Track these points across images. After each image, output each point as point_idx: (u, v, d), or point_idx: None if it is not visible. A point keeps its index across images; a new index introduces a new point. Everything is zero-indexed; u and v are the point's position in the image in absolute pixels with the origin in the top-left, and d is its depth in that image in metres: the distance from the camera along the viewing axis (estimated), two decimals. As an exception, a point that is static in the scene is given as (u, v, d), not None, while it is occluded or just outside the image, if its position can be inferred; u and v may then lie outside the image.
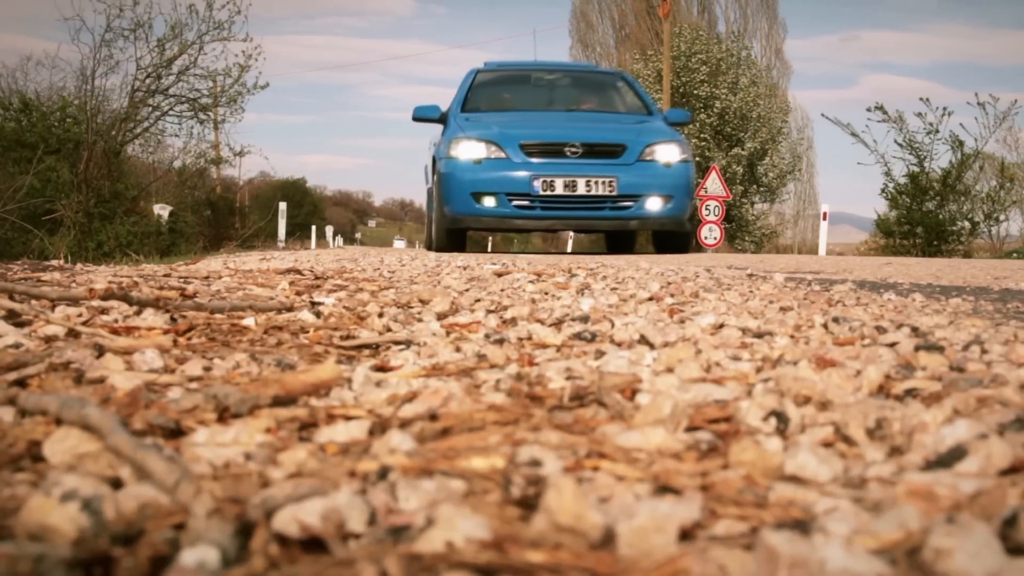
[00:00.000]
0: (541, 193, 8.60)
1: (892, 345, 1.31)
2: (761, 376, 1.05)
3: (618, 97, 10.80)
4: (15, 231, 10.72)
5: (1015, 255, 15.07)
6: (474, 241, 21.26)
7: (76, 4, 29.94)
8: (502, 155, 8.81)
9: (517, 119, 9.67)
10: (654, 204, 8.87)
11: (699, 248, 8.71)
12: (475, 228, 9.64)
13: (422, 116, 10.48)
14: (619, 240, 12.86)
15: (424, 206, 12.41)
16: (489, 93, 10.69)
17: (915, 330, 1.49)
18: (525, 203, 8.65)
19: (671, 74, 21.12)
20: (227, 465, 0.70)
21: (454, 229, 9.29)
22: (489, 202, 8.71)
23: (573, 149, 8.79)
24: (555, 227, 9.32)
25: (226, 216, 18.36)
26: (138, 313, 1.63)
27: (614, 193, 8.69)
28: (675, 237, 9.52)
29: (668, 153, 8.98)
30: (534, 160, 8.72)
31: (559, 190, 8.59)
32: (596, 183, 8.65)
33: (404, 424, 0.84)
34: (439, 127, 10.68)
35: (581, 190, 8.63)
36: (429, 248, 11.01)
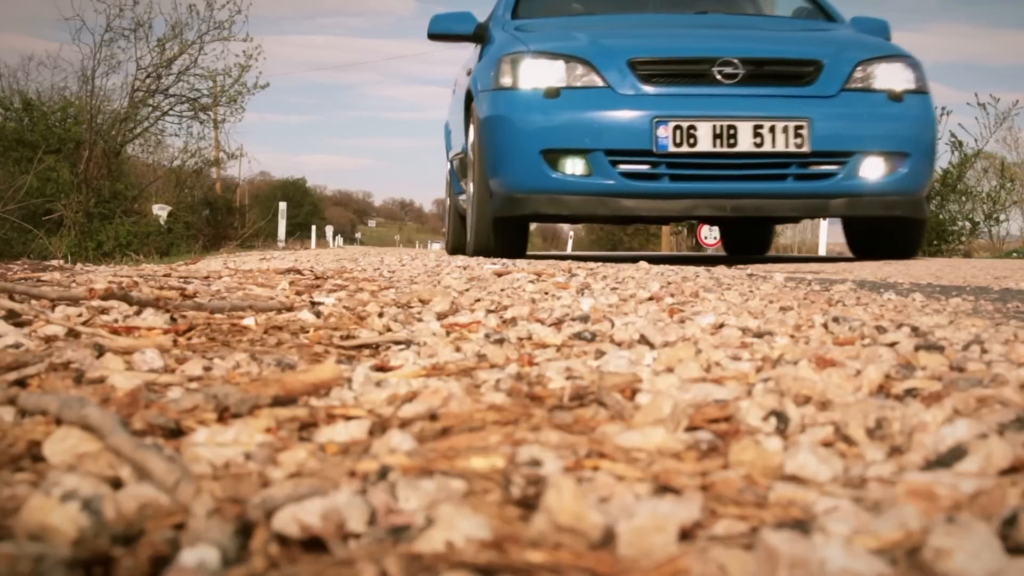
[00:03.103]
0: (672, 149, 4.89)
1: (892, 345, 1.31)
2: (761, 376, 1.05)
3: None
4: (15, 231, 10.73)
5: (1015, 255, 15.05)
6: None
7: (77, 4, 29.96)
8: (597, 81, 5.13)
9: (616, 25, 5.88)
10: (874, 168, 5.09)
11: (904, 248, 5.65)
12: (546, 216, 5.85)
13: (444, 31, 6.37)
14: (753, 235, 8.64)
15: (445, 193, 8.01)
16: None
17: (915, 330, 1.49)
18: (642, 168, 4.99)
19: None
20: (227, 465, 0.70)
21: (508, 218, 5.45)
22: (574, 167, 5.05)
23: (728, 70, 5.06)
24: (694, 212, 5.25)
25: (226, 216, 18.37)
26: (138, 313, 1.63)
27: (804, 148, 4.93)
28: (902, 229, 5.58)
29: (894, 77, 5.21)
30: (656, 90, 5.06)
31: (705, 143, 4.89)
32: (772, 130, 4.91)
33: (404, 424, 0.84)
34: (471, 51, 6.66)
35: (745, 143, 4.90)
36: (457, 251, 7.29)
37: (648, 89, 5.12)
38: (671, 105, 5.04)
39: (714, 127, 4.95)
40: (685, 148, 4.96)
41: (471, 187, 5.90)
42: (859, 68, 5.21)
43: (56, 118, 14.03)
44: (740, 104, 5.04)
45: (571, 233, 34.36)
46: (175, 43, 14.64)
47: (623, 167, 5.05)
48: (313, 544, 0.53)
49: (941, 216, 15.18)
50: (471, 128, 5.94)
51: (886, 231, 5.70)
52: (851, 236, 6.09)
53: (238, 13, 14.76)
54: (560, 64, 5.23)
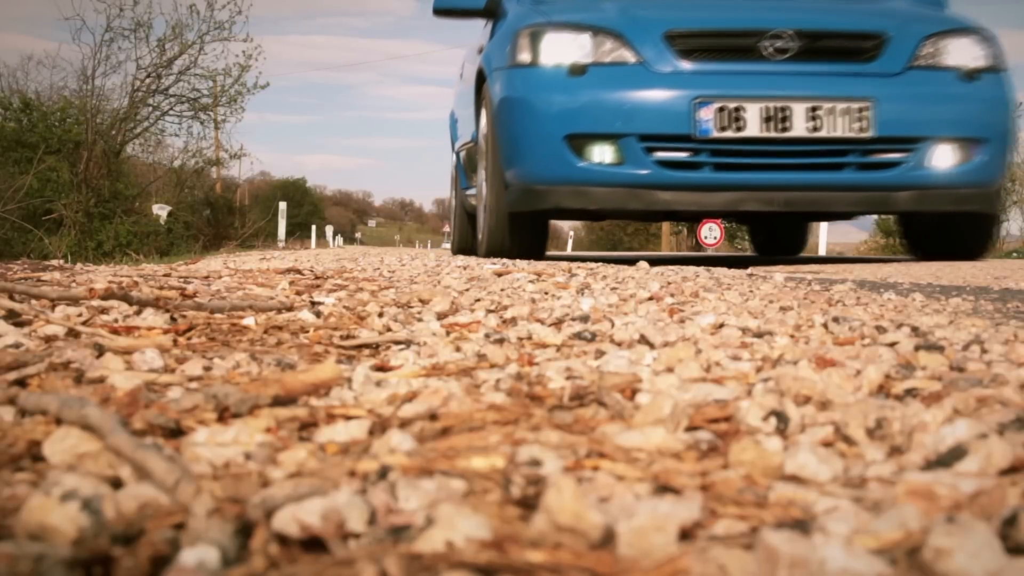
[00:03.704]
0: (715, 134, 4.35)
1: (892, 345, 1.31)
2: (761, 376, 1.05)
3: None
4: (15, 231, 10.73)
5: (1015, 255, 15.02)
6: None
7: (77, 4, 29.97)
8: (628, 57, 4.54)
9: None
10: (945, 157, 4.52)
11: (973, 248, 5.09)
12: (570, 212, 5.29)
13: (451, 6, 5.68)
14: (786, 234, 7.87)
15: (450, 189, 7.41)
16: None
17: (915, 330, 1.49)
18: (681, 156, 4.44)
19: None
20: (227, 465, 0.70)
21: (526, 213, 4.86)
22: (603, 154, 4.47)
23: (779, 44, 4.49)
24: (740, 206, 4.61)
25: (226, 216, 18.37)
26: (138, 313, 1.63)
27: (866, 134, 4.38)
28: (973, 226, 5.03)
29: (966, 53, 4.62)
30: (696, 67, 4.51)
31: (753, 127, 4.34)
32: (830, 113, 4.35)
33: (404, 424, 0.84)
34: (481, 29, 5.95)
35: (799, 127, 4.35)
36: (464, 251, 6.74)
37: (687, 66, 4.50)
38: (714, 84, 4.44)
39: (764, 109, 4.35)
40: (730, 133, 4.37)
41: (483, 180, 5.26)
42: (926, 43, 4.55)
43: (56, 118, 14.03)
44: (793, 83, 4.44)
45: (571, 233, 34.22)
46: (175, 43, 14.65)
47: (659, 154, 4.45)
48: (313, 544, 0.53)
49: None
50: (483, 113, 5.26)
51: (954, 228, 5.06)
52: (911, 234, 5.47)
53: (238, 13, 14.77)
54: (586, 37, 4.58)
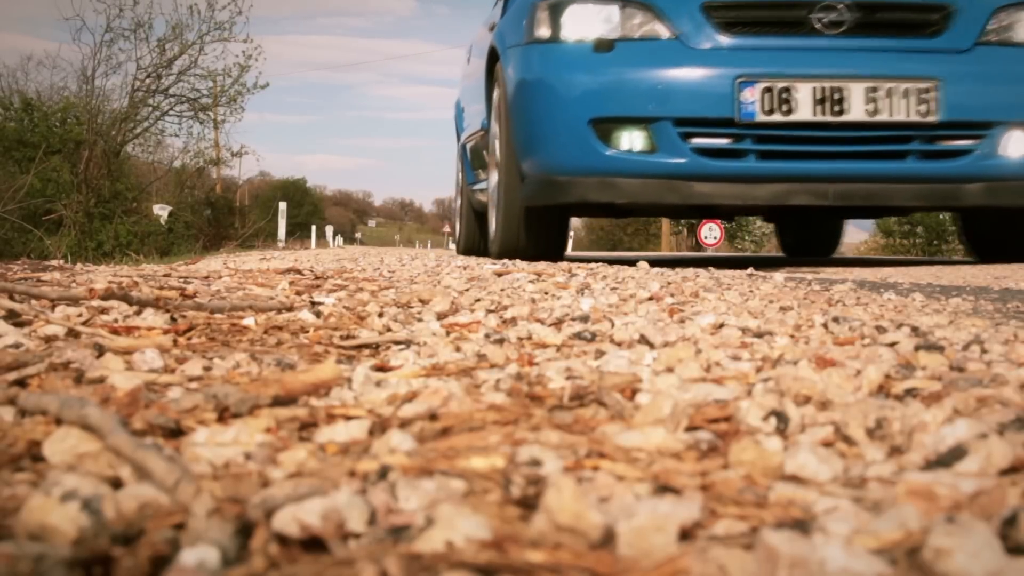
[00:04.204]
0: (760, 118, 3.94)
1: (892, 345, 1.31)
2: (761, 376, 1.05)
3: None
4: (15, 231, 10.73)
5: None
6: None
7: (77, 4, 30.00)
8: (662, 31, 4.09)
9: None
10: (1020, 145, 4.06)
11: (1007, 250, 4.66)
12: (594, 207, 4.74)
13: None
14: (820, 232, 7.20)
15: (456, 184, 6.93)
16: None
17: (915, 330, 1.49)
18: (722, 142, 4.02)
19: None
20: (227, 465, 0.70)
21: (545, 208, 4.47)
22: (633, 140, 4.03)
23: (832, 16, 4.02)
24: (788, 200, 4.12)
25: (226, 216, 18.38)
26: (138, 313, 1.63)
27: (931, 118, 3.96)
28: None
29: None
30: (739, 42, 4.07)
31: (803, 110, 3.92)
32: (890, 94, 3.90)
33: (404, 424, 0.84)
34: (492, 6, 5.53)
35: (855, 111, 3.92)
36: (471, 251, 6.37)
37: (729, 41, 4.03)
38: (759, 61, 3.97)
39: (815, 90, 3.89)
40: (778, 117, 3.91)
41: (494, 173, 4.78)
42: (998, 16, 4.04)
43: (57, 118, 14.04)
44: (849, 60, 3.97)
45: (571, 232, 34.26)
46: (175, 43, 14.66)
47: (697, 141, 3.98)
48: (313, 544, 0.53)
49: (941, 216, 15.18)
50: (495, 98, 4.81)
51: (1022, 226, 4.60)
52: (974, 232, 4.96)
53: (239, 14, 14.78)
54: (613, 9, 4.08)
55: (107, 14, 14.04)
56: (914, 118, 3.98)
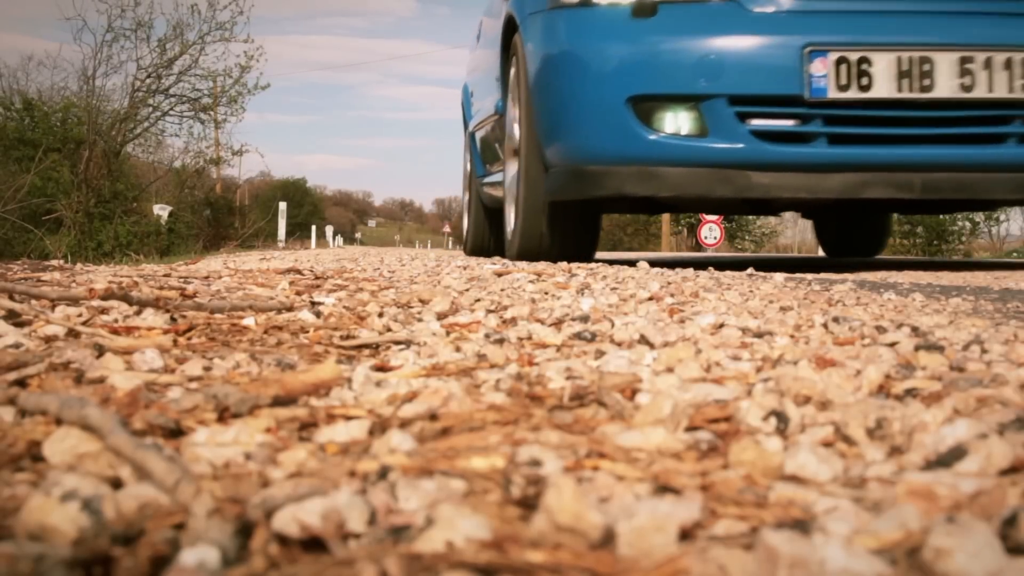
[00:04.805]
0: (833, 95, 3.41)
1: (892, 345, 1.31)
2: (761, 376, 1.05)
3: None
4: (15, 231, 10.74)
5: (1015, 255, 15.02)
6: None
7: (78, 4, 30.02)
8: None
9: None
10: None
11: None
12: (631, 201, 4.08)
13: None
14: (865, 229, 6.29)
15: (463, 178, 6.37)
16: None
17: (915, 330, 1.49)
18: (786, 124, 3.48)
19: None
20: (227, 465, 0.70)
21: (572, 203, 3.97)
22: (680, 122, 3.50)
23: None
24: (864, 192, 3.54)
25: (226, 216, 18.38)
26: (138, 313, 1.63)
27: None
28: None
29: None
30: (806, 5, 3.53)
31: (883, 86, 3.39)
32: (987, 65, 3.37)
33: (404, 424, 0.84)
34: None
35: (945, 86, 3.38)
36: (479, 251, 5.89)
37: (794, 3, 3.46)
38: (831, 28, 3.40)
39: (897, 61, 3.32)
40: (853, 93, 3.34)
41: (512, 163, 4.25)
42: None
43: (57, 118, 14.05)
44: (938, 25, 3.39)
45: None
46: (176, 43, 14.67)
47: (756, 123, 3.42)
48: (313, 544, 0.53)
49: (941, 216, 15.17)
50: (512, 76, 4.27)
51: None
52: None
53: (240, 14, 14.79)
54: None
55: (108, 14, 14.06)
56: (1016, 95, 3.37)
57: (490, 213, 5.78)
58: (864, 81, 3.39)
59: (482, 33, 5.64)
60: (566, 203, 3.98)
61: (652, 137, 3.53)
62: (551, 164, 3.86)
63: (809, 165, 3.49)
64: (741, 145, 3.48)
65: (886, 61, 3.38)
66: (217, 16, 14.74)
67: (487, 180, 5.49)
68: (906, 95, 3.40)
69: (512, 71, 4.35)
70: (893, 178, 3.49)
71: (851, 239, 6.48)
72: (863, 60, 3.37)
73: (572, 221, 4.11)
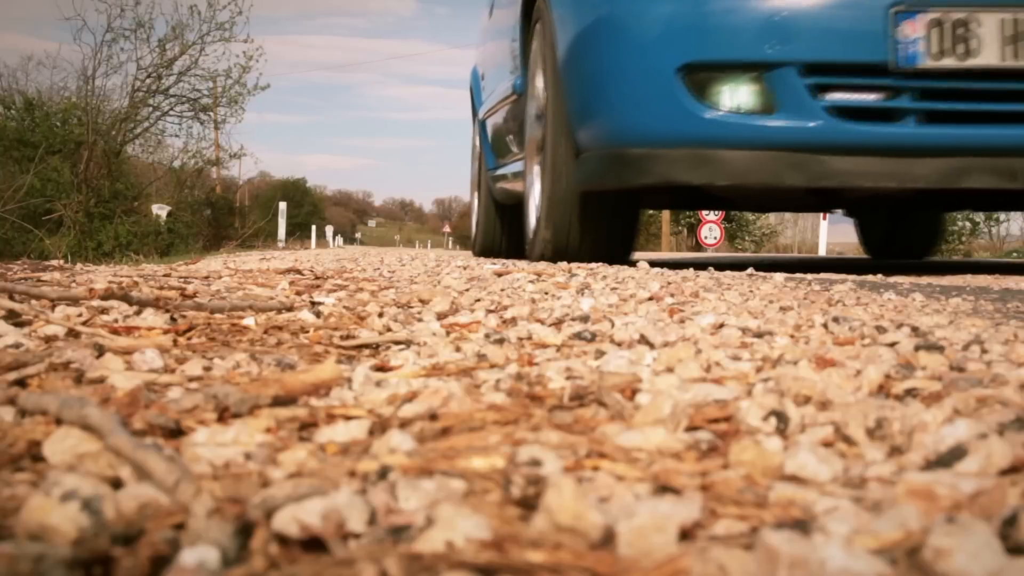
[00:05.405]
0: (926, 64, 2.85)
1: (892, 345, 1.31)
2: (761, 376, 1.05)
3: None
4: (15, 231, 10.74)
5: (1015, 255, 15.01)
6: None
7: (77, 4, 30.03)
8: None
9: None
10: None
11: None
12: (678, 193, 3.85)
13: None
14: (919, 227, 5.57)
15: (472, 171, 5.87)
16: None
17: (915, 330, 1.49)
18: (871, 98, 2.96)
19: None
20: (227, 465, 0.70)
21: (607, 194, 3.54)
22: (741, 97, 3.00)
23: None
24: (963, 181, 2.95)
25: (226, 216, 18.39)
26: (138, 313, 1.63)
27: None
28: None
29: None
30: None
31: (988, 52, 2.82)
32: None
33: (404, 424, 0.84)
34: None
35: None
36: (490, 251, 5.43)
37: None
38: None
39: (1005, 23, 2.79)
40: (951, 61, 2.83)
41: (533, 150, 3.78)
42: None
43: (58, 119, 14.05)
44: None
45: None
46: (176, 44, 14.68)
47: (834, 97, 2.92)
48: (313, 544, 0.53)
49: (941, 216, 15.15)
50: (536, 47, 3.75)
51: None
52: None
53: (239, 14, 14.79)
54: None
55: (108, 14, 14.06)
56: None
57: (502, 210, 5.24)
58: (964, 47, 2.83)
59: (495, 5, 5.02)
60: (600, 194, 3.50)
61: (707, 114, 3.01)
62: (584, 148, 3.37)
63: (897, 148, 2.96)
64: (815, 123, 2.96)
65: (992, 23, 2.82)
66: (217, 16, 14.75)
67: (500, 172, 4.97)
68: (1015, 64, 2.85)
69: (535, 42, 3.80)
70: (999, 164, 2.93)
71: (901, 239, 5.77)
72: (963, 22, 2.83)
73: (607, 215, 3.60)
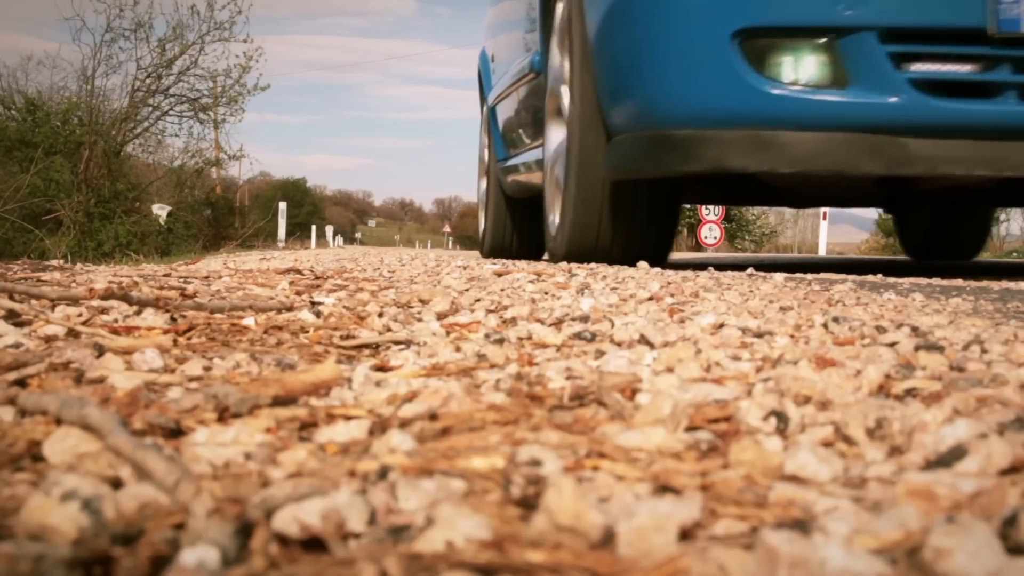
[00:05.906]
0: None
1: (892, 345, 1.31)
2: (761, 376, 1.05)
3: None
4: (15, 231, 10.74)
5: (1015, 255, 15.00)
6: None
7: (77, 4, 30.04)
8: None
9: None
10: None
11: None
12: (728, 184, 3.41)
13: None
14: (962, 226, 4.95)
15: (480, 163, 5.40)
16: None
17: (915, 330, 1.49)
18: (963, 70, 2.43)
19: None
20: (227, 465, 0.70)
21: (644, 184, 3.08)
22: (808, 68, 2.46)
23: None
24: None
25: (226, 216, 18.39)
26: (138, 313, 1.63)
27: None
28: None
29: None
30: None
31: None
32: None
33: (404, 424, 0.84)
34: None
35: None
36: (499, 251, 5.05)
37: None
38: None
39: None
40: None
41: (558, 133, 3.32)
42: None
43: (58, 119, 14.05)
44: None
45: None
46: (176, 44, 14.68)
47: (919, 68, 2.49)
48: (313, 544, 0.53)
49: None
50: (560, 17, 3.29)
51: None
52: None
53: (239, 14, 14.78)
54: None
55: (107, 14, 14.06)
56: None
57: (513, 205, 4.76)
58: None
59: None
60: (634, 184, 3.05)
61: (767, 89, 2.56)
62: (617, 130, 2.92)
63: (993, 129, 2.52)
64: (896, 99, 2.52)
65: None
66: (216, 16, 14.74)
67: (512, 163, 4.44)
68: None
69: (558, 11, 3.34)
70: None
71: (947, 237, 5.17)
72: None
73: (642, 208, 3.16)
